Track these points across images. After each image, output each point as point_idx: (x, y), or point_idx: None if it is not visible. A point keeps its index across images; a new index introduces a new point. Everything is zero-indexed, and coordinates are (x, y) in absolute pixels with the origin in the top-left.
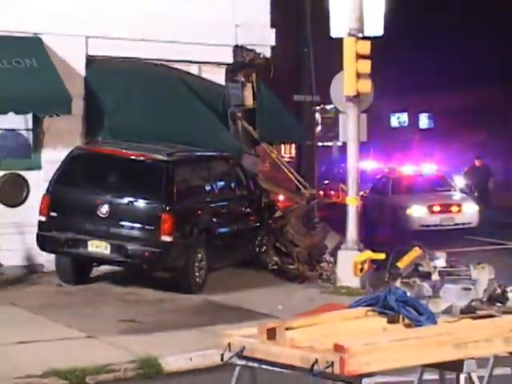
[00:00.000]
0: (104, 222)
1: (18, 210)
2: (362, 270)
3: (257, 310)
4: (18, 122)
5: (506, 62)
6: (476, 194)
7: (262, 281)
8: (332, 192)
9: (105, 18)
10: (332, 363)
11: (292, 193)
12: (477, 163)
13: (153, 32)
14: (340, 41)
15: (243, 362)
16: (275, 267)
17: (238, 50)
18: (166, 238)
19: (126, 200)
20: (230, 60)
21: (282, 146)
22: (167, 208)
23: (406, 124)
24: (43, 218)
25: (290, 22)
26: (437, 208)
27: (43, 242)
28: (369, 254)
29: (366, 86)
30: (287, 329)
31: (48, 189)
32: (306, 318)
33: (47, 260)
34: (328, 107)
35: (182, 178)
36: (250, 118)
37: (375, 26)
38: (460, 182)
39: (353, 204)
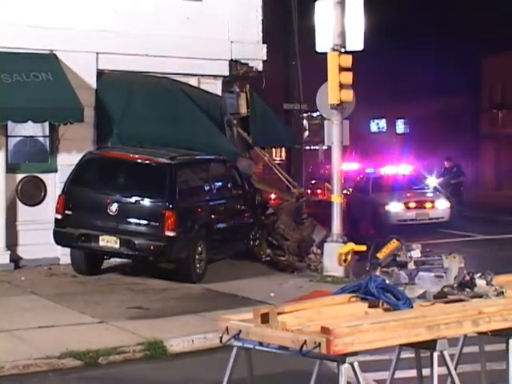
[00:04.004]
0: (114, 219)
1: (37, 208)
2: (345, 260)
3: (251, 297)
4: (35, 129)
5: (474, 73)
6: (448, 192)
7: (256, 271)
8: (318, 190)
9: (113, 36)
10: (319, 344)
11: (282, 192)
12: (446, 165)
13: (156, 48)
14: (324, 55)
15: (240, 344)
16: (268, 259)
17: (233, 63)
18: (170, 233)
19: (133, 199)
20: (226, 73)
21: (273, 149)
22: (170, 206)
23: (385, 129)
24: (59, 216)
25: (280, 38)
26: (412, 204)
27: (59, 238)
28: (352, 246)
29: (348, 95)
30: (279, 313)
31: (63, 189)
32: (295, 304)
33: (63, 254)
34: (314, 114)
35: (184, 179)
36: (244, 124)
37: (356, 42)
38: (433, 180)
39: (337, 201)
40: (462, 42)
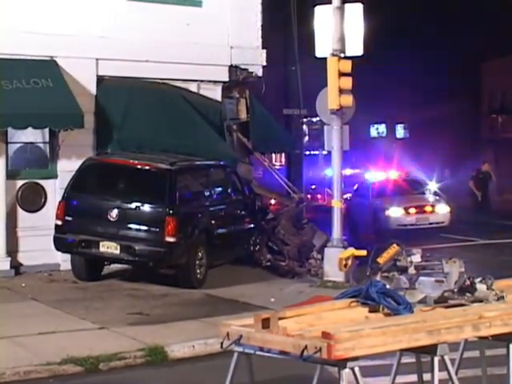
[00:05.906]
0: (114, 224)
1: (37, 214)
2: (346, 265)
3: (252, 303)
4: (35, 135)
5: (474, 78)
6: (479, 196)
7: (257, 276)
8: (319, 195)
9: (113, 42)
10: (320, 349)
11: (282, 197)
12: (483, 167)
13: (156, 54)
14: (324, 60)
15: (241, 349)
16: (268, 264)
17: (233, 69)
18: (170, 239)
19: (133, 205)
20: (226, 78)
21: (273, 154)
22: (170, 212)
23: (384, 134)
24: (59, 222)
25: (279, 43)
26: (412, 209)
27: (59, 244)
28: (352, 251)
29: (348, 100)
30: (280, 319)
31: (63, 196)
32: (296, 309)
33: (63, 260)
34: (314, 119)
35: (184, 184)
36: (244, 130)
37: (355, 47)
38: (433, 185)
39: (337, 206)
40: (461, 46)
